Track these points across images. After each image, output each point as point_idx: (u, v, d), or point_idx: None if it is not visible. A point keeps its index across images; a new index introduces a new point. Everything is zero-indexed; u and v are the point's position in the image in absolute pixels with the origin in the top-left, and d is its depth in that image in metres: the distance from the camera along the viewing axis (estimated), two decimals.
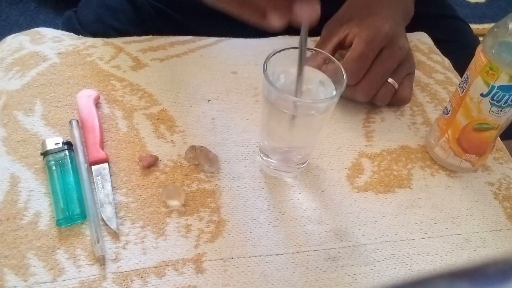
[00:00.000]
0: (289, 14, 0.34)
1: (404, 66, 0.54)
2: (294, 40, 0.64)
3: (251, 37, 0.64)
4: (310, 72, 0.44)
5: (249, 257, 0.42)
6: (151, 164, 0.48)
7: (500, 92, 0.43)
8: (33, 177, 0.46)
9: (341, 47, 0.56)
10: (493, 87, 0.43)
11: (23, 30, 0.61)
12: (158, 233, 0.43)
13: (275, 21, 0.35)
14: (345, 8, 0.59)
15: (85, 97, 0.51)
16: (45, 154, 0.46)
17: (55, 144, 0.46)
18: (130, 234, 0.43)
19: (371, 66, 0.51)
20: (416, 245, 0.45)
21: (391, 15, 0.54)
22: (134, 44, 0.61)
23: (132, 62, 0.59)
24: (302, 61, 0.39)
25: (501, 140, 0.55)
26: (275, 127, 0.46)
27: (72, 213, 0.42)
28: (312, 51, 0.44)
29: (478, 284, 0.14)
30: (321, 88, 0.44)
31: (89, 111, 0.50)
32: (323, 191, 0.48)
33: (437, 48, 0.68)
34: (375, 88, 0.53)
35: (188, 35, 0.63)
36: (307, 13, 0.33)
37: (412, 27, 0.71)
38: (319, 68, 0.44)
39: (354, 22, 0.52)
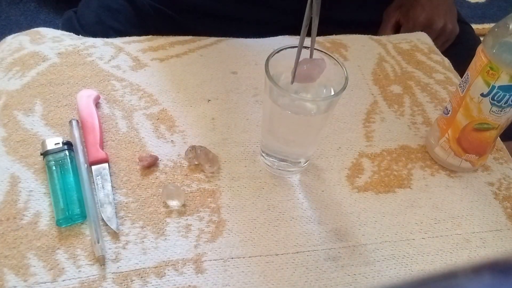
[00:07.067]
0: None
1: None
2: (294, 40, 0.64)
3: (251, 37, 0.64)
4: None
5: (249, 257, 0.42)
6: (151, 164, 0.48)
7: (501, 92, 0.43)
8: (33, 177, 0.46)
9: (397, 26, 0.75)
10: (493, 87, 0.43)
11: (23, 30, 0.61)
12: (158, 233, 0.43)
13: None
14: None
15: (85, 97, 0.51)
16: (45, 154, 0.46)
17: (55, 144, 0.46)
18: (130, 234, 0.43)
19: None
20: (416, 245, 0.45)
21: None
22: (134, 44, 0.61)
23: (132, 62, 0.59)
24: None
25: (501, 141, 0.55)
26: (277, 127, 0.46)
27: (72, 213, 0.42)
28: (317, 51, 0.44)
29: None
30: (322, 88, 0.44)
31: (89, 111, 0.50)
32: (323, 191, 0.48)
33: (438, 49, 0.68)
34: None
35: (188, 35, 0.63)
36: None
37: None
38: (321, 71, 0.44)
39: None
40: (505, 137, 0.54)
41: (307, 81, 0.43)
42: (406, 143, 0.54)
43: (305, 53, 0.43)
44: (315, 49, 0.44)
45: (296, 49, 0.42)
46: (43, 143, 0.47)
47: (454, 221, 0.48)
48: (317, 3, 0.39)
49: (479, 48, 0.44)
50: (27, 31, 0.61)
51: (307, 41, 0.42)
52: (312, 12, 0.39)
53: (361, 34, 0.68)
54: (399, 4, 0.76)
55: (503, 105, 0.44)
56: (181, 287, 0.40)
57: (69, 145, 0.47)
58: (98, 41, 0.61)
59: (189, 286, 0.40)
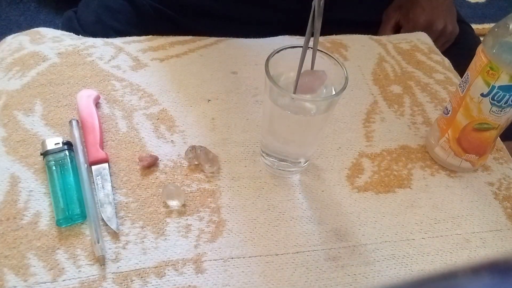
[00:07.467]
0: None
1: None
2: (294, 41, 0.64)
3: (251, 37, 0.64)
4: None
5: (249, 257, 0.42)
6: (151, 164, 0.48)
7: (501, 92, 0.43)
8: (33, 177, 0.46)
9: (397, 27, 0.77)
10: (493, 87, 0.43)
11: (23, 30, 0.61)
12: (158, 233, 0.43)
13: None
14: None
15: (85, 97, 0.51)
16: (45, 154, 0.46)
17: (55, 144, 0.46)
18: (130, 234, 0.43)
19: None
20: (416, 245, 0.45)
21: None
22: (134, 44, 0.61)
23: (132, 62, 0.59)
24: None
25: (501, 141, 0.55)
26: (277, 127, 0.46)
27: (72, 213, 0.42)
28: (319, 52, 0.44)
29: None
30: (323, 88, 0.44)
31: (89, 111, 0.50)
32: (323, 191, 0.48)
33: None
34: None
35: (188, 35, 0.63)
36: None
37: None
38: (322, 83, 0.44)
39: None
40: (505, 137, 0.54)
41: (308, 93, 0.43)
42: (406, 143, 0.54)
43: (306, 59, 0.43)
44: (320, 50, 0.44)
45: (296, 49, 0.42)
46: (43, 143, 0.47)
47: (454, 221, 0.48)
48: (319, 19, 0.39)
49: (479, 48, 0.44)
50: (27, 31, 0.61)
51: (308, 51, 0.42)
52: (314, 27, 0.39)
53: (361, 34, 0.68)
54: (398, 5, 0.76)
55: (503, 105, 0.44)
56: (181, 287, 0.40)
57: (69, 145, 0.47)
58: (98, 41, 0.61)
59: (189, 286, 0.40)
